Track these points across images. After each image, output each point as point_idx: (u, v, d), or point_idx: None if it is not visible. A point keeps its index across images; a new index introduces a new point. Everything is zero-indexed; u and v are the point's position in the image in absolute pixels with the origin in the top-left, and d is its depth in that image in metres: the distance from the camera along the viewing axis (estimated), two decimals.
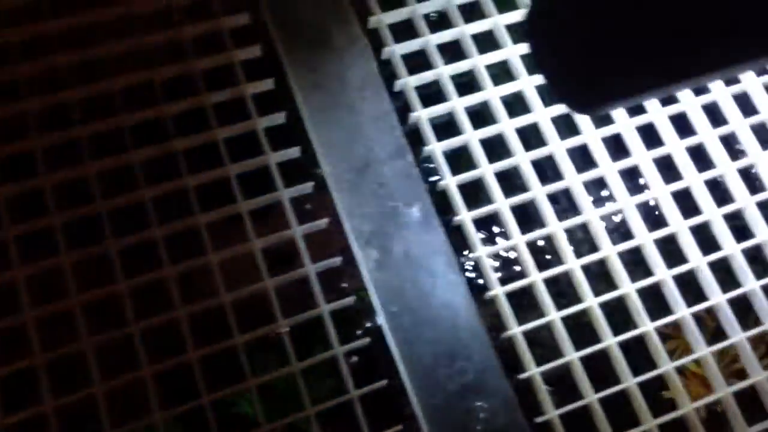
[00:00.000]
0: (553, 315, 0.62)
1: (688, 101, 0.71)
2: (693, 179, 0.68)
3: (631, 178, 0.69)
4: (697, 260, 0.65)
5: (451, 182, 0.65)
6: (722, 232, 0.66)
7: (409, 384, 0.59)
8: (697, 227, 0.67)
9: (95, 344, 0.56)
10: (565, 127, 0.71)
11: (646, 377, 0.61)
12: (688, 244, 0.66)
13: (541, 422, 0.58)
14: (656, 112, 0.70)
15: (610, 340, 0.61)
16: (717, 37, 0.48)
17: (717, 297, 0.64)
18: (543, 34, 0.53)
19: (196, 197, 0.62)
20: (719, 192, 0.69)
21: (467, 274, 0.64)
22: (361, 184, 0.65)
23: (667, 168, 0.69)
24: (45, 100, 0.63)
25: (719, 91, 0.71)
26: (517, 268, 0.67)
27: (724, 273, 0.67)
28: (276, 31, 0.69)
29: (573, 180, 0.67)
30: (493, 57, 0.70)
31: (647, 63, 0.49)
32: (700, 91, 0.72)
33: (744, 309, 0.65)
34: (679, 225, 0.66)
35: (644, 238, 0.65)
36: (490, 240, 0.63)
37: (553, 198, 0.67)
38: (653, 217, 0.69)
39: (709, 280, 0.65)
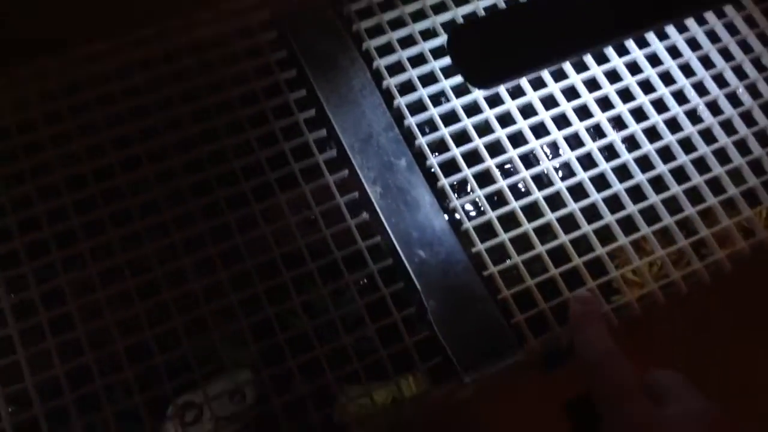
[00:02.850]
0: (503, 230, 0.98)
1: None
2: None
3: None
4: None
5: (422, 142, 1.03)
6: None
7: (405, 260, 0.96)
8: None
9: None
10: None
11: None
12: None
13: (488, 275, 0.95)
14: None
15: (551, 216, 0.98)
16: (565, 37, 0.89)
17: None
18: (460, 44, 0.93)
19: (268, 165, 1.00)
20: None
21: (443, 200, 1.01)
22: (366, 148, 1.03)
23: None
24: None
25: None
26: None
27: None
28: (304, 59, 1.08)
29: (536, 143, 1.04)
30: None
31: (524, 55, 0.89)
32: None
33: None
34: None
35: None
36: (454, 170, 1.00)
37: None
38: None
39: None
